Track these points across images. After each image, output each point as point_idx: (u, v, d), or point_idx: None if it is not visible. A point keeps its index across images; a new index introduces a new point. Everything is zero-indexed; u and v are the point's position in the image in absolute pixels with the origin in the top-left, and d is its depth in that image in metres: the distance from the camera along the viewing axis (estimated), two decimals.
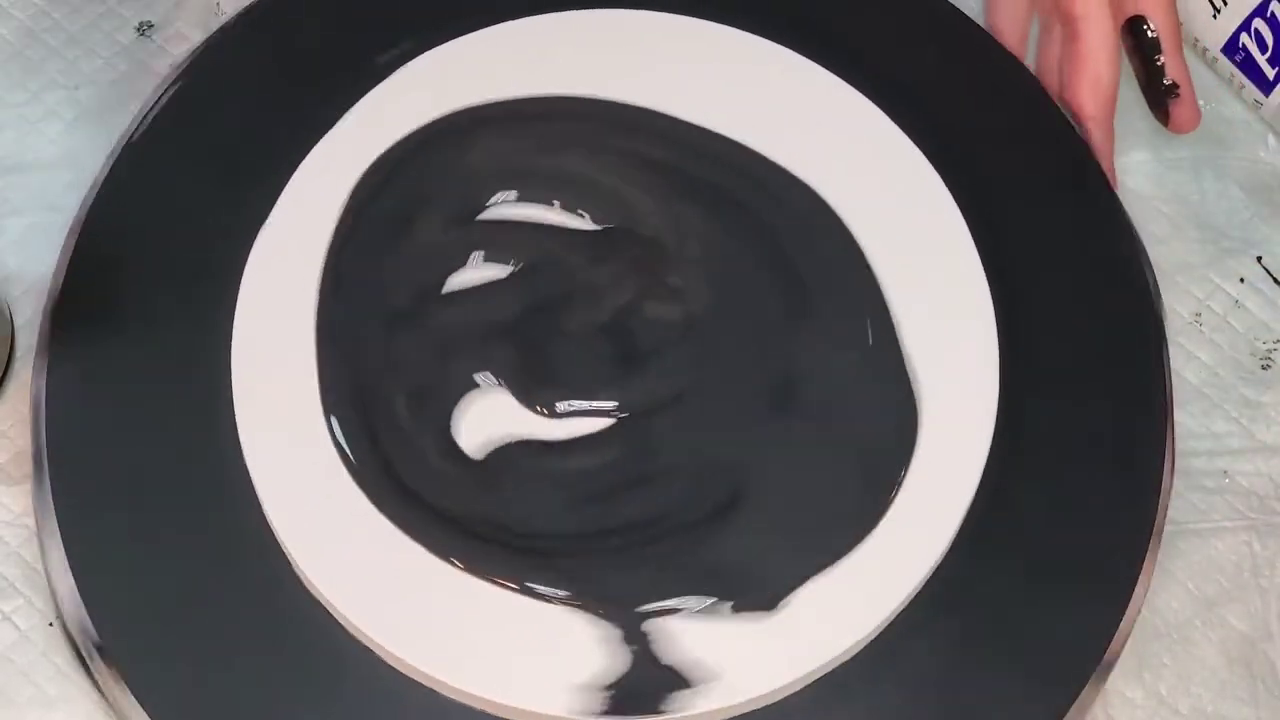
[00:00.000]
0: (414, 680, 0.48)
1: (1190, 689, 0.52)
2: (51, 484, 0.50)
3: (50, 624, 0.52)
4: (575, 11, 0.56)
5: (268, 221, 0.53)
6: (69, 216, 0.55)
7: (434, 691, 0.48)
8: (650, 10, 0.56)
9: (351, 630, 0.48)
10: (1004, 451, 0.50)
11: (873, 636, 0.48)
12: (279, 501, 0.49)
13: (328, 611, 0.49)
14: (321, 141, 0.54)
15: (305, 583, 0.49)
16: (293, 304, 0.52)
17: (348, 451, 0.50)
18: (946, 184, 0.54)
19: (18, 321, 0.56)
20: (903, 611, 0.49)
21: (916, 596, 0.49)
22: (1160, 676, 0.52)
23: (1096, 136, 0.56)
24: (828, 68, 0.55)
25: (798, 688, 0.48)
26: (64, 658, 0.52)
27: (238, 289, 0.52)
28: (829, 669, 0.48)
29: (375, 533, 0.49)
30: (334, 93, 0.55)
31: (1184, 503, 0.54)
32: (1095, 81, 0.56)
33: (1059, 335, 0.53)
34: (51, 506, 0.50)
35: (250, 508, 0.49)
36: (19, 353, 0.56)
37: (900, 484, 0.50)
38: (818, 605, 0.48)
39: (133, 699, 0.48)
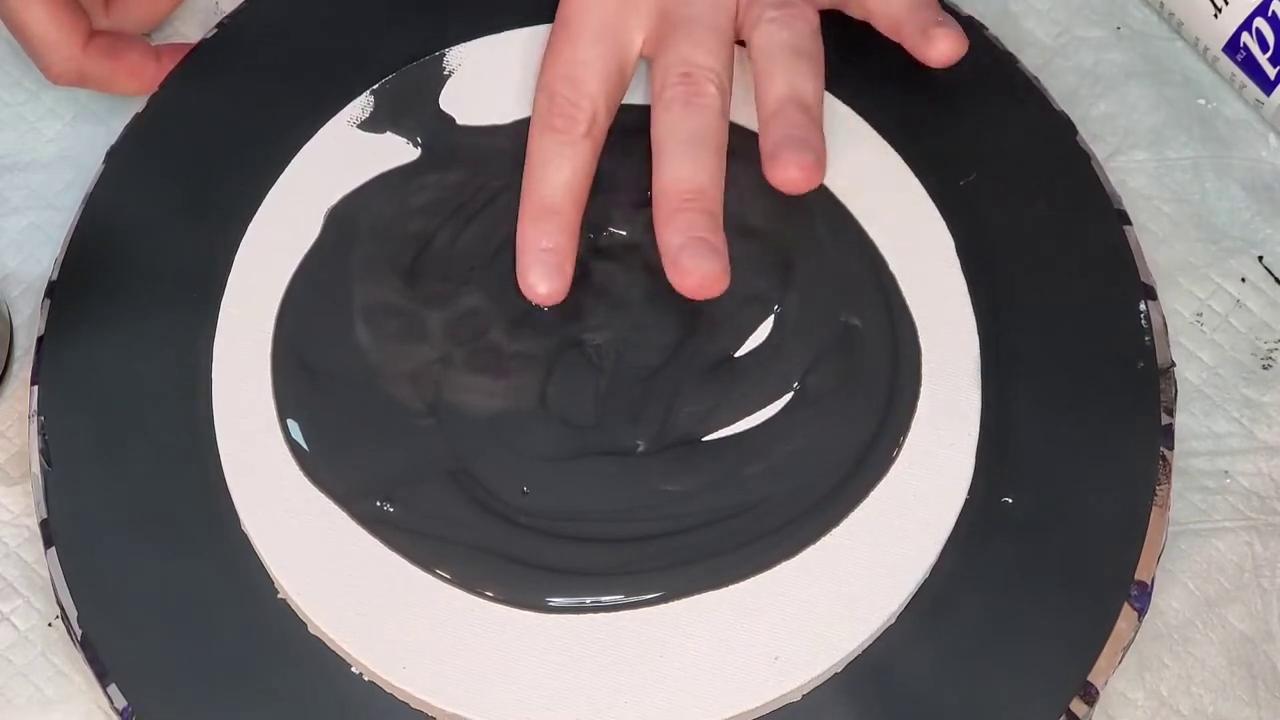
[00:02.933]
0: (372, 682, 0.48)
1: (1191, 689, 0.52)
2: (47, 484, 0.50)
3: (49, 624, 0.52)
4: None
5: (255, 219, 0.53)
6: (68, 216, 0.55)
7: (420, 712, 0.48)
8: None
9: (322, 637, 0.48)
10: (993, 455, 0.50)
11: (867, 644, 0.48)
12: (253, 510, 0.49)
13: (304, 623, 0.49)
14: (311, 142, 0.54)
15: (280, 590, 0.49)
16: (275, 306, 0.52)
17: (305, 449, 0.50)
18: (927, 191, 0.54)
19: (16, 321, 0.56)
20: (898, 617, 0.49)
21: (910, 602, 0.49)
22: (1161, 677, 0.52)
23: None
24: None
25: (794, 698, 0.48)
26: (63, 658, 0.52)
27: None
28: (823, 679, 0.48)
29: (343, 534, 0.49)
30: (329, 95, 0.55)
31: (1185, 503, 0.54)
32: None
33: (1047, 330, 0.53)
34: (46, 507, 0.50)
35: (232, 513, 0.50)
36: (18, 352, 0.56)
37: (887, 484, 0.50)
38: (809, 610, 0.48)
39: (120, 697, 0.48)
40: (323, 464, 0.50)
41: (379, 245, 0.53)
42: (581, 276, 0.52)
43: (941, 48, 0.52)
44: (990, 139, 0.56)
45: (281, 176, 0.54)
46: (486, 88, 0.55)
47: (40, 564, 0.52)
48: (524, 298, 0.51)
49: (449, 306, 0.52)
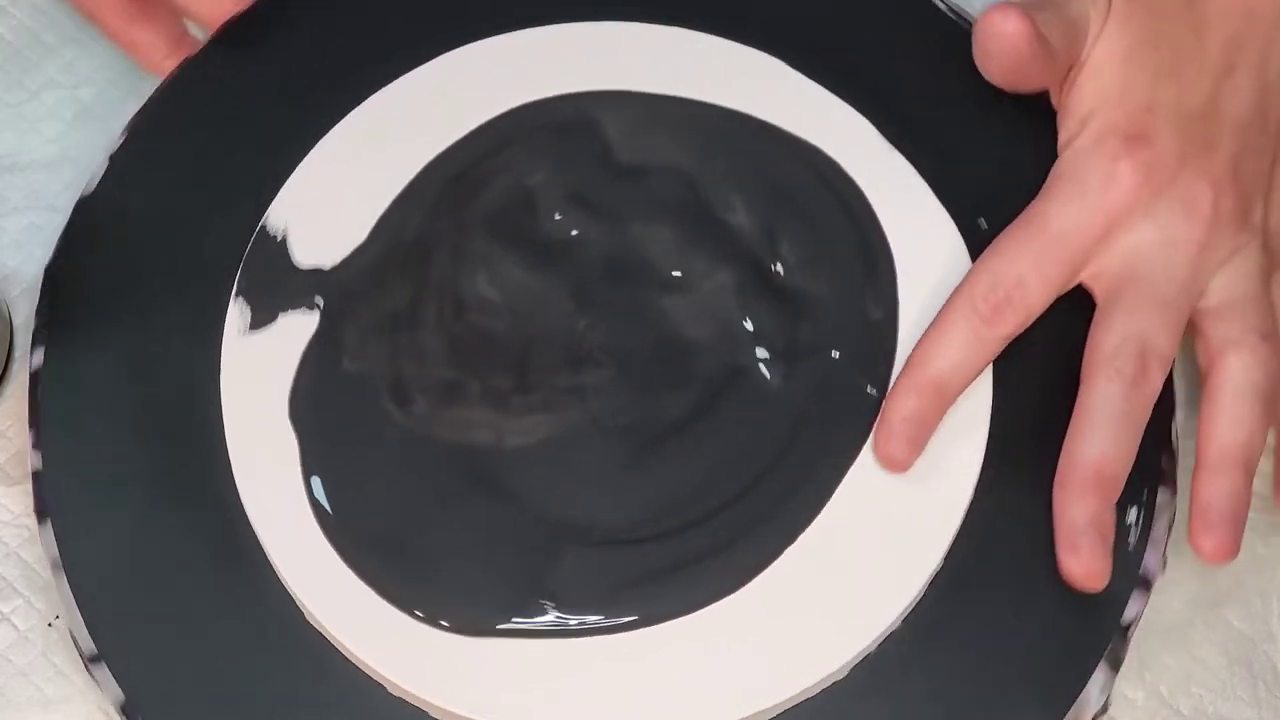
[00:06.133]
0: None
1: (1191, 689, 0.52)
2: (47, 484, 0.50)
3: (50, 624, 0.52)
4: (562, 25, 0.56)
5: (262, 222, 0.53)
6: (68, 216, 0.55)
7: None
8: (638, 22, 0.56)
9: (340, 648, 0.48)
10: (997, 462, 0.50)
11: (869, 649, 0.48)
12: (262, 508, 0.49)
13: (309, 621, 0.49)
14: (319, 145, 0.54)
15: (289, 590, 0.49)
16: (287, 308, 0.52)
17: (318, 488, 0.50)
18: (930, 185, 0.54)
19: (16, 321, 0.56)
20: (899, 624, 0.49)
21: (913, 609, 0.49)
22: (1161, 677, 0.52)
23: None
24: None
25: (793, 704, 0.48)
26: (63, 658, 0.52)
27: (232, 286, 0.52)
28: (824, 685, 0.48)
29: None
30: (334, 97, 0.55)
31: (1185, 503, 0.54)
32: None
33: (1052, 332, 0.53)
34: (47, 507, 0.50)
35: (238, 513, 0.50)
36: (17, 353, 0.56)
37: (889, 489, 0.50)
38: (810, 618, 0.48)
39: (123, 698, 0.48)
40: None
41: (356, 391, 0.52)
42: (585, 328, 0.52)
43: (1204, 545, 0.49)
44: (999, 149, 0.55)
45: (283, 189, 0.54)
46: (328, 221, 0.53)
47: (40, 564, 0.52)
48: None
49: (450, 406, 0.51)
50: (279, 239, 0.53)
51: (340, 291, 0.52)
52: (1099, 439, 0.49)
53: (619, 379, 0.51)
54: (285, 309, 0.52)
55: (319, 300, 0.52)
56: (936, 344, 0.50)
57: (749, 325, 0.52)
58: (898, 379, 0.50)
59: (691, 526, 0.49)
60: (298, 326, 0.52)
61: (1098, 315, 0.51)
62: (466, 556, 0.49)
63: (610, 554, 0.49)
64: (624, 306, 0.52)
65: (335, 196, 0.53)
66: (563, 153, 0.54)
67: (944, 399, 0.50)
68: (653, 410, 0.51)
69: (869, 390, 0.51)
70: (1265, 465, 0.55)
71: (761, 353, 0.52)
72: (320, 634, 0.48)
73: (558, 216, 0.53)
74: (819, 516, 0.49)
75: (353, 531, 0.49)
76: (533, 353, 0.51)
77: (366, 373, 0.51)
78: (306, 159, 0.54)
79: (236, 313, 0.52)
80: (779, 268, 0.53)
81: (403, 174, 0.54)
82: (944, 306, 0.50)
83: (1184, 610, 0.53)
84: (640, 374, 0.51)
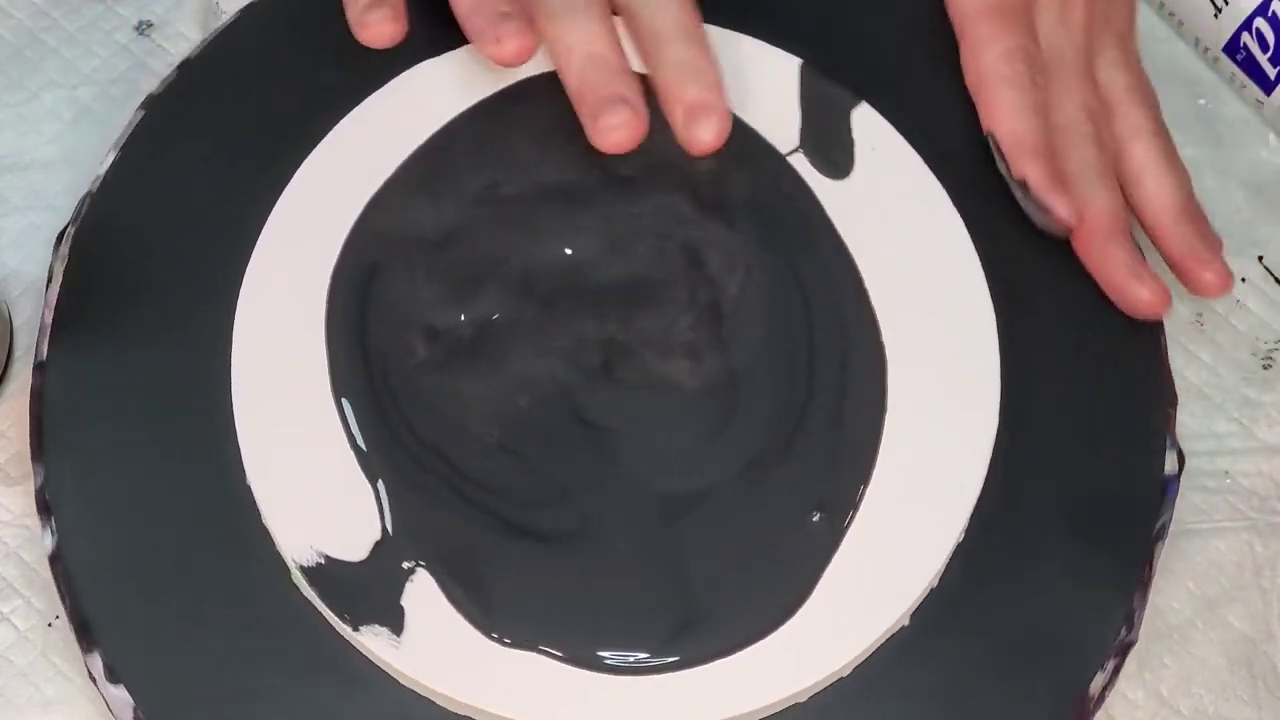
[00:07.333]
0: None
1: (1191, 690, 0.52)
2: (49, 484, 0.50)
3: (49, 624, 0.52)
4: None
5: (269, 221, 0.53)
6: (68, 216, 0.55)
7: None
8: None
9: (349, 639, 0.48)
10: (1005, 457, 0.50)
11: (874, 648, 0.48)
12: (276, 506, 0.49)
13: (320, 614, 0.49)
14: (322, 143, 0.54)
15: (299, 586, 0.49)
16: (296, 305, 0.52)
17: (355, 433, 0.50)
18: (941, 181, 0.54)
19: (17, 321, 0.56)
20: (906, 623, 0.49)
21: (918, 607, 0.49)
22: (1161, 677, 0.52)
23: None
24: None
25: (802, 699, 0.48)
26: (63, 658, 0.52)
27: (239, 286, 0.52)
28: (832, 680, 0.48)
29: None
30: (337, 94, 0.55)
31: (1185, 503, 0.54)
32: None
33: (1058, 335, 0.53)
34: (48, 506, 0.50)
35: (249, 509, 0.50)
36: (18, 352, 0.56)
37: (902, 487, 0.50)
38: (818, 616, 0.48)
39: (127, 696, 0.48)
40: None
41: None
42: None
43: (1207, 279, 0.54)
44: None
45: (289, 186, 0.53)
46: (328, 506, 0.50)
47: (40, 564, 0.52)
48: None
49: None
50: (322, 563, 0.49)
51: (409, 540, 0.49)
52: (1101, 195, 0.53)
53: (644, 347, 0.51)
54: (398, 595, 0.48)
55: (409, 560, 0.49)
56: (1016, 124, 0.53)
57: (667, 217, 0.52)
58: (1012, 162, 0.53)
59: (817, 422, 0.50)
60: (420, 590, 0.48)
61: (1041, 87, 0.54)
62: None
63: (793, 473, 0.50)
64: (580, 305, 0.52)
65: (306, 478, 0.50)
66: (403, 271, 0.52)
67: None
68: (691, 339, 0.51)
69: (799, 185, 0.53)
70: (1257, 464, 0.55)
71: (701, 228, 0.52)
72: (326, 633, 0.48)
73: (463, 318, 0.52)
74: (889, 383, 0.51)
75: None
76: (571, 397, 0.51)
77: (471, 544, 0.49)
78: (245, 458, 0.50)
79: (374, 641, 0.48)
80: (626, 169, 0.52)
81: (328, 414, 0.51)
82: (990, 94, 0.53)
83: (1184, 610, 0.53)
84: (652, 330, 0.51)
